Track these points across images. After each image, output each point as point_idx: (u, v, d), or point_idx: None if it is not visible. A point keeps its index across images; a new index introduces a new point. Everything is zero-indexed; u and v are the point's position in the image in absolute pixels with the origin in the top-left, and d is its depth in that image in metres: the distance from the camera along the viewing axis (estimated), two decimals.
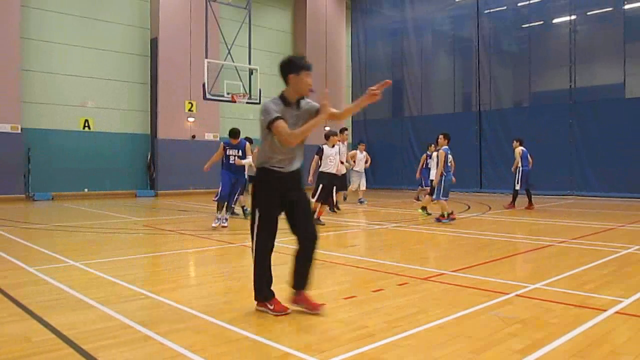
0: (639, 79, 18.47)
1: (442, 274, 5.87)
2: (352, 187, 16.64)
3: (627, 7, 18.95)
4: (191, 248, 8.04)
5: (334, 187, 11.69)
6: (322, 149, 11.24)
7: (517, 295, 4.88)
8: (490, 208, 14.74)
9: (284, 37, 26.66)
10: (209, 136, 22.87)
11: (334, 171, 11.14)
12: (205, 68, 18.98)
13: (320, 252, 7.78)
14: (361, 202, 16.40)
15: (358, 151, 16.74)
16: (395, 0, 26.03)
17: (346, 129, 15.10)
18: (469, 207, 14.90)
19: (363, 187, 16.67)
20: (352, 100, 28.24)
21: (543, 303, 4.63)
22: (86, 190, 20.19)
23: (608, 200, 17.10)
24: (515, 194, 14.32)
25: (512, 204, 14.25)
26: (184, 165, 21.75)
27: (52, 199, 18.96)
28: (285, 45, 26.71)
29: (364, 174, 16.66)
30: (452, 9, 24.08)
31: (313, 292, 5.07)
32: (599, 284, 5.35)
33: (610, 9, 19.46)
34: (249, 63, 20.69)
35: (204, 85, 18.84)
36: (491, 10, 22.48)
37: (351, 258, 7.11)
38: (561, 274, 5.83)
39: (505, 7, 22.04)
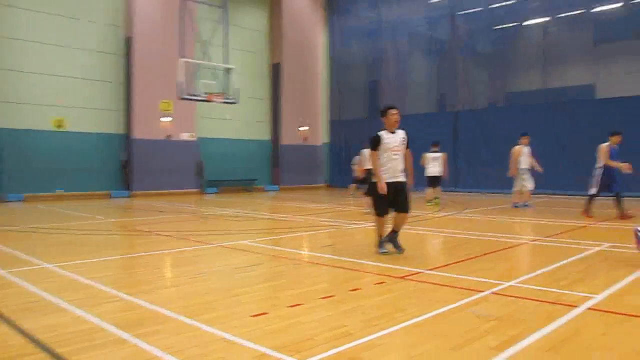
0: (609, 81, 18.89)
1: (419, 272, 5.93)
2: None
3: (596, 10, 19.38)
4: (168, 249, 7.97)
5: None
6: None
7: (492, 293, 4.95)
8: (466, 207, 14.91)
9: (260, 37, 26.59)
10: (185, 136, 22.69)
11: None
12: (181, 67, 18.83)
13: (297, 252, 7.81)
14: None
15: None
16: (371, 1, 26.17)
17: None
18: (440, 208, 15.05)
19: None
20: (330, 101, 28.32)
21: (518, 300, 4.71)
22: (60, 191, 19.84)
23: (581, 199, 17.41)
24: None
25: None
26: (159, 165, 21.55)
27: (25, 200, 18.60)
28: (262, 45, 26.66)
29: None
30: (428, 10, 24.30)
31: (290, 292, 5.09)
32: (571, 281, 5.46)
33: (581, 11, 19.87)
34: (226, 63, 20.60)
35: (179, 84, 18.70)
36: (466, 12, 22.77)
37: (328, 258, 7.13)
38: (535, 271, 5.94)
39: (479, 9, 22.35)
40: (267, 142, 26.89)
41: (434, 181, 15.45)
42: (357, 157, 15.71)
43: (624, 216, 11.08)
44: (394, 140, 7.02)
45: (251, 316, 4.27)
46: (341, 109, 27.96)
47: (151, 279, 5.97)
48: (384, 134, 7.04)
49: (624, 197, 11.33)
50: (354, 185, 17.42)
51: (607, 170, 11.02)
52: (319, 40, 28.40)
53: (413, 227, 10.49)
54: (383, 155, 7.01)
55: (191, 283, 5.67)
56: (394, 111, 7.00)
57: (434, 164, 15.36)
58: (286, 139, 26.44)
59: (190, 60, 19.97)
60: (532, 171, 14.20)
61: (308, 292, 5.14)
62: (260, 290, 5.38)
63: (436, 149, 15.62)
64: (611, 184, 11.05)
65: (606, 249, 7.46)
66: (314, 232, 10.06)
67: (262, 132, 26.70)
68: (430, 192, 15.52)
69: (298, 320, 4.14)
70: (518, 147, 14.18)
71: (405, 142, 7.11)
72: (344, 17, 27.76)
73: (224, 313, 4.38)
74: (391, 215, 7.23)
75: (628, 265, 6.19)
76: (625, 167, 10.82)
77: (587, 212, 11.64)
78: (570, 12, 20.23)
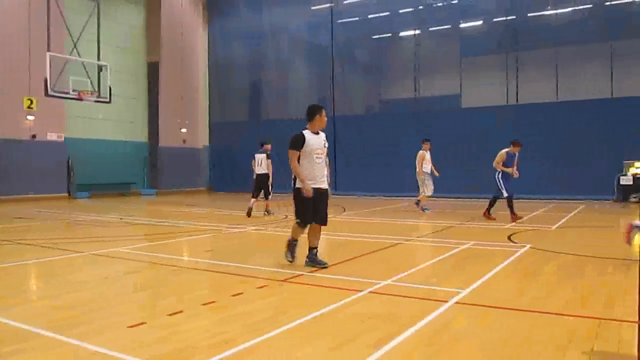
0: (472, 91, 20.52)
1: (301, 275, 6.01)
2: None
3: (463, 25, 21.01)
4: (32, 259, 7.33)
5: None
6: None
7: (370, 292, 5.15)
8: (344, 209, 15.36)
9: (137, 34, 25.42)
10: (52, 136, 21.05)
11: None
12: (48, 62, 17.44)
13: (176, 258, 7.56)
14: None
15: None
16: (252, 3, 26.11)
17: None
18: None
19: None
20: (208, 101, 27.80)
21: (394, 298, 4.94)
22: None
23: (449, 200, 18.68)
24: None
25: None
26: (23, 167, 19.78)
27: None
28: (138, 42, 25.52)
29: None
30: (309, 16, 24.73)
31: (169, 300, 4.92)
32: (441, 278, 5.85)
33: (448, 26, 21.42)
34: (98, 59, 19.43)
35: (45, 80, 17.31)
36: (344, 20, 23.54)
37: (209, 263, 6.99)
38: (409, 269, 6.27)
39: (357, 18, 23.22)
40: (143, 143, 25.74)
41: None
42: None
43: (515, 218, 11.40)
44: (318, 142, 6.42)
45: (128, 327, 4.05)
46: (222, 111, 27.56)
47: (12, 292, 5.46)
48: (308, 134, 6.37)
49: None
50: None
51: (504, 173, 11.62)
52: (200, 39, 27.76)
53: None
54: (304, 158, 6.33)
55: (58, 295, 5.26)
56: (325, 111, 6.52)
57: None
58: (164, 141, 25.48)
59: (57, 55, 18.54)
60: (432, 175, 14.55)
61: (188, 298, 4.99)
62: (137, 299, 5.13)
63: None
64: (507, 187, 11.58)
65: (471, 247, 8.07)
66: (194, 237, 9.81)
67: (138, 133, 25.50)
68: None
69: (178, 329, 4.01)
70: (422, 151, 14.38)
71: (327, 146, 6.61)
72: (225, 17, 27.42)
73: (97, 325, 4.12)
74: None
75: (489, 261, 6.74)
76: (513, 172, 11.54)
77: (513, 215, 11.49)
78: (439, 26, 21.73)
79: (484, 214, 12.06)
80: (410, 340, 3.72)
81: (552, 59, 19.27)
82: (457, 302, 4.73)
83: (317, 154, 6.39)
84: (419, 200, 14.31)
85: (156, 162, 25.48)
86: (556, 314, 4.39)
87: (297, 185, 6.40)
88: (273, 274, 6.09)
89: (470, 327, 4.08)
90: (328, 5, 23.66)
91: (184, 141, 26.48)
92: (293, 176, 6.42)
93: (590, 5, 18.95)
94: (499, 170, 11.70)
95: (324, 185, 6.54)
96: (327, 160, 6.75)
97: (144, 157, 25.65)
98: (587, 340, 3.69)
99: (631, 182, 16.86)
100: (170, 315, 4.36)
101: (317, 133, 6.49)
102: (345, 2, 23.69)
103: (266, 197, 13.63)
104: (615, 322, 4.10)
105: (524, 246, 7.90)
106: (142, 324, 4.13)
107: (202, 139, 27.83)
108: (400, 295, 5.03)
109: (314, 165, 6.38)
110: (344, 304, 4.69)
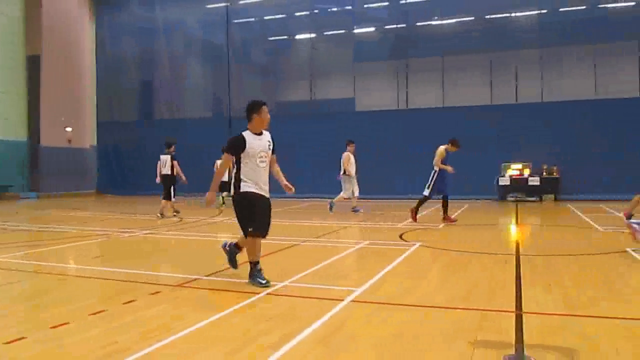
0: (365, 95, 21.21)
1: (197, 279, 5.87)
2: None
3: (356, 31, 21.66)
4: None
5: None
6: None
7: (268, 293, 5.15)
8: None
9: (14, 24, 23.42)
10: None
11: None
12: None
13: (61, 266, 7.09)
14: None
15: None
16: None
17: None
18: (221, 212, 15.16)
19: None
20: (96, 101, 26.31)
21: (291, 298, 4.98)
22: None
23: (343, 201, 19.10)
24: None
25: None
26: None
27: None
28: (16, 33, 23.52)
29: None
30: (204, 14, 24.23)
31: (53, 311, 4.60)
32: (337, 277, 5.98)
33: (343, 31, 21.97)
34: None
35: None
36: (240, 21, 23.35)
37: (99, 270, 6.63)
38: (305, 270, 6.34)
39: (253, 19, 23.13)
40: (22, 142, 23.76)
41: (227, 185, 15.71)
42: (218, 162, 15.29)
43: (448, 219, 11.55)
44: (261, 143, 5.65)
45: (5, 343, 3.73)
46: (111, 110, 26.18)
47: None
48: (248, 136, 5.61)
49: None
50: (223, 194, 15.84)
51: (441, 173, 11.47)
52: (86, 33, 26.15)
53: (193, 233, 10.37)
54: (246, 162, 5.55)
55: None
56: (266, 107, 5.80)
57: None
58: (46, 140, 23.72)
59: None
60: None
61: (75, 308, 4.69)
62: (16, 312, 4.75)
63: None
64: (443, 187, 11.51)
65: (366, 246, 8.34)
66: (80, 243, 9.24)
67: (15, 131, 23.43)
68: None
69: (63, 342, 3.76)
70: (347, 153, 14.39)
71: (272, 147, 5.80)
72: (114, 11, 26.02)
73: None
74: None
75: (383, 260, 6.99)
76: (450, 169, 11.38)
77: (414, 213, 11.66)
78: (334, 30, 22.22)
79: (445, 218, 11.62)
80: (307, 340, 3.76)
81: (438, 66, 20.39)
82: (352, 300, 4.86)
83: (261, 157, 5.63)
84: (355, 207, 14.58)
85: (37, 163, 23.66)
86: (444, 307, 4.66)
87: (241, 190, 5.58)
88: (167, 278, 5.90)
89: (364, 324, 4.20)
90: (224, 4, 23.35)
91: (69, 141, 24.85)
92: (234, 181, 5.66)
93: (473, 18, 20.33)
94: (438, 168, 11.43)
95: (267, 193, 5.69)
96: (275, 161, 5.90)
97: (22, 158, 23.69)
98: (472, 331, 3.94)
99: (509, 183, 18.30)
100: (54, 327, 4.08)
101: (260, 133, 5.73)
102: (241, 2, 23.51)
103: (170, 197, 13.47)
104: (496, 313, 4.43)
105: (414, 244, 8.29)
106: (21, 338, 3.82)
107: (89, 139, 26.28)
108: (297, 296, 5.07)
109: (257, 169, 5.61)
110: (241, 307, 4.65)
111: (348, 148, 14.52)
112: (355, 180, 14.50)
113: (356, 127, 20.29)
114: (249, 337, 3.82)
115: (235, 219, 5.72)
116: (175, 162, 13.47)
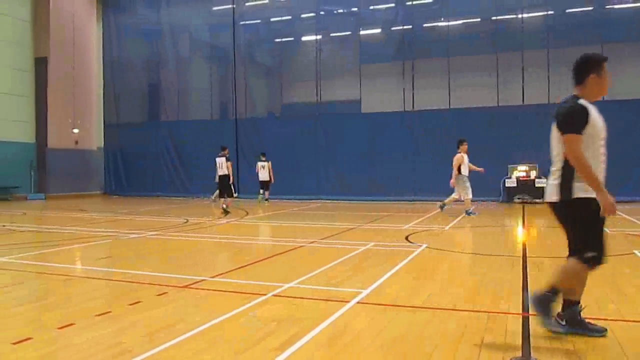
0: (371, 97, 21.17)
1: (202, 280, 5.88)
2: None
3: (362, 32, 21.64)
4: None
5: None
6: None
7: (273, 295, 5.14)
8: (247, 213, 15.25)
9: (23, 27, 23.55)
10: None
11: None
12: None
13: (67, 267, 7.12)
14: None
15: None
16: (150, 0, 25.20)
17: None
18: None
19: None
20: (103, 103, 26.39)
21: (296, 300, 4.97)
22: None
23: (350, 203, 19.12)
24: None
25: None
26: None
27: None
28: (25, 35, 23.66)
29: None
30: (210, 16, 24.28)
31: (59, 312, 4.62)
32: (342, 279, 5.97)
33: (349, 32, 21.97)
34: None
35: None
36: (246, 23, 23.38)
37: (105, 271, 6.65)
38: (311, 272, 6.33)
39: (259, 21, 23.16)
40: (30, 144, 23.88)
41: (264, 184, 18.32)
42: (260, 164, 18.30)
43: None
44: (601, 119, 3.90)
45: (12, 343, 3.74)
46: (117, 112, 26.27)
47: None
48: (588, 105, 3.82)
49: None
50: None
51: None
52: (93, 35, 26.27)
53: (196, 235, 10.38)
54: (586, 146, 3.64)
55: None
56: (605, 65, 3.94)
57: (263, 171, 18.26)
58: (54, 142, 23.83)
59: None
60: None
61: (80, 309, 4.71)
62: (22, 313, 4.77)
63: (264, 158, 18.36)
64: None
65: (371, 247, 8.32)
66: (87, 244, 9.28)
67: (23, 133, 23.56)
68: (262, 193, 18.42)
69: (68, 342, 3.77)
70: (460, 154, 13.56)
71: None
72: (121, 13, 26.10)
73: None
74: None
75: (388, 261, 6.98)
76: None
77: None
78: (340, 32, 22.22)
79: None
80: (312, 342, 3.76)
81: (444, 68, 20.32)
82: (358, 302, 4.85)
83: (602, 141, 3.76)
84: (468, 209, 13.78)
85: (45, 164, 23.77)
86: (450, 309, 4.64)
87: (579, 195, 3.66)
88: (173, 279, 5.91)
89: (370, 326, 4.19)
90: (230, 6, 23.39)
91: (76, 142, 24.95)
92: (560, 180, 3.77)
93: (479, 19, 20.27)
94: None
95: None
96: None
97: (30, 159, 23.79)
98: (478, 333, 3.93)
99: (515, 184, 18.22)
100: (60, 328, 4.09)
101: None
102: (247, 4, 23.54)
103: (225, 196, 14.74)
104: (503, 315, 4.41)
105: (421, 246, 8.26)
106: (27, 339, 3.84)
107: (96, 141, 26.38)
108: (303, 298, 5.07)
109: (600, 159, 3.71)
110: (247, 309, 4.65)
111: (460, 147, 13.53)
112: (469, 183, 13.57)
113: (362, 129, 20.33)
114: (254, 339, 3.82)
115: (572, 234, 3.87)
116: (228, 163, 14.77)
